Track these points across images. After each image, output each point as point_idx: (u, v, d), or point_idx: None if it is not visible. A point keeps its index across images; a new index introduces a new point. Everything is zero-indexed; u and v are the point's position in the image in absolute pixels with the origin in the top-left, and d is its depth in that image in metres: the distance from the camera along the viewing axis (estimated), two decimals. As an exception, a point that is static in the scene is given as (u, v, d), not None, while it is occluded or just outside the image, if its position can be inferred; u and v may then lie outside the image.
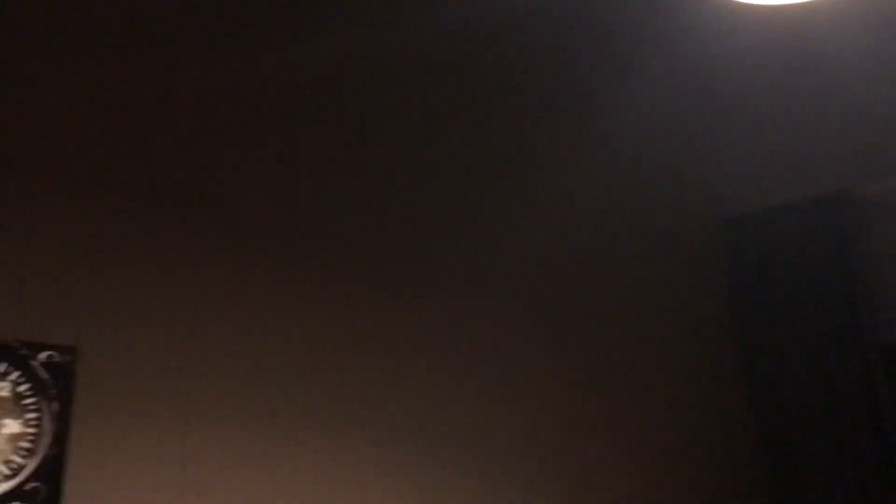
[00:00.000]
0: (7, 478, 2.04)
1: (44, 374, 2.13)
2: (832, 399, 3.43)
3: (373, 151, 2.81)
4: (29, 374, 2.12)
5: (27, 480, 2.06)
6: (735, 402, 3.62)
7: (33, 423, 2.10)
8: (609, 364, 3.28)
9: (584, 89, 3.24)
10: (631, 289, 3.43)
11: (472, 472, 2.80)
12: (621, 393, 3.27)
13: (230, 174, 2.53)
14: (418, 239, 2.88)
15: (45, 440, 2.10)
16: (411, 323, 2.81)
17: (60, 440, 2.13)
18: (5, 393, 2.08)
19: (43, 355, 2.14)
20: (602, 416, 3.19)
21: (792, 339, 3.54)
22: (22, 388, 2.10)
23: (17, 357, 2.11)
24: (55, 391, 2.14)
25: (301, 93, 2.64)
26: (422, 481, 2.65)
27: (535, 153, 3.21)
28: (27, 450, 2.08)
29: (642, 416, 3.31)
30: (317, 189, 2.69)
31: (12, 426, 2.08)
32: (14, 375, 2.10)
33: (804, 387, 3.50)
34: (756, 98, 3.79)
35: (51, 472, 2.10)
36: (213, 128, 2.51)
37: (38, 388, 2.12)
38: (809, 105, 3.57)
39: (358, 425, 2.59)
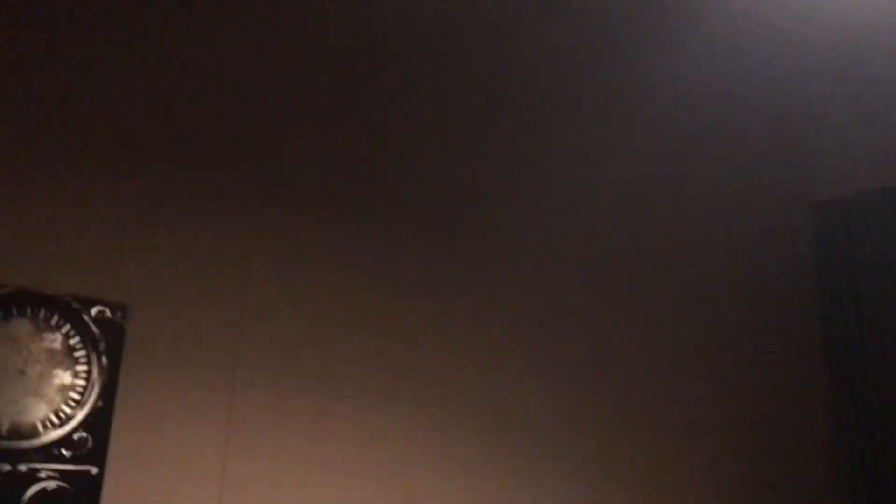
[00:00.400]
0: (56, 426, 2.11)
1: (94, 329, 2.20)
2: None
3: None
4: (80, 328, 2.18)
5: (75, 430, 2.13)
6: (817, 390, 3.46)
7: (83, 375, 2.17)
8: (683, 346, 3.15)
9: (675, 62, 3.18)
10: (712, 268, 3.30)
11: (525, 455, 2.74)
12: (693, 377, 3.15)
13: (280, 134, 2.55)
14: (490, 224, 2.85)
15: (94, 392, 2.17)
16: (472, 294, 2.77)
17: (108, 393, 2.19)
18: (57, 345, 2.16)
19: (94, 310, 2.21)
20: (674, 401, 3.07)
21: (877, 328, 3.34)
22: (73, 340, 2.17)
23: (69, 310, 2.18)
24: (105, 345, 2.20)
25: (358, 55, 2.67)
26: (467, 455, 2.61)
27: (615, 126, 3.14)
28: (76, 401, 2.15)
29: (713, 402, 3.17)
30: (365, 151, 2.69)
31: (63, 377, 2.15)
32: (66, 328, 2.17)
33: (888, 377, 3.30)
34: (854, 79, 3.61)
35: (98, 424, 2.16)
36: (262, 89, 2.54)
37: (89, 342, 2.19)
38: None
39: (408, 394, 2.57)
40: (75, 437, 2.13)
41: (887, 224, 3.37)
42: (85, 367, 2.17)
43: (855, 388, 3.39)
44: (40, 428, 2.09)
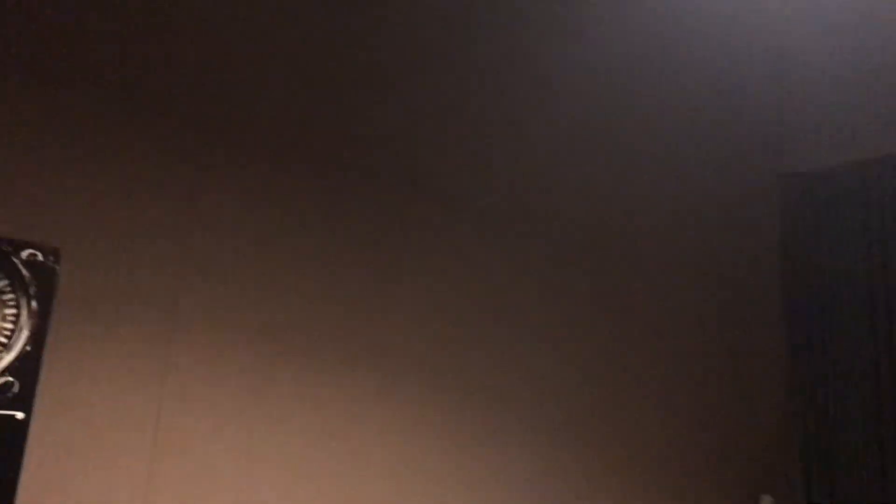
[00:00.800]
0: (-19, 370, 2.07)
1: (25, 272, 2.14)
2: (874, 359, 3.20)
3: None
4: (9, 271, 2.12)
5: (0, 374, 2.08)
6: (776, 360, 3.44)
7: (11, 318, 2.11)
8: (646, 314, 3.11)
9: (640, 30, 3.11)
10: (677, 238, 3.25)
11: (499, 420, 2.70)
12: (660, 341, 3.11)
13: (224, 77, 2.47)
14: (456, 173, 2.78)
15: (22, 337, 2.11)
16: (436, 252, 2.71)
17: (38, 338, 2.13)
18: (-16, 287, 2.11)
19: (25, 253, 2.15)
20: (638, 367, 3.03)
21: (838, 300, 3.32)
22: (1, 283, 2.12)
23: (-2, 253, 2.13)
24: (35, 289, 2.14)
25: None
26: (414, 417, 2.55)
27: (578, 94, 3.06)
28: (2, 345, 2.09)
29: (677, 366, 3.14)
30: (315, 104, 2.61)
31: (-11, 320, 2.10)
32: (-6, 270, 2.12)
33: (846, 345, 3.27)
34: (823, 53, 3.53)
35: (26, 369, 2.10)
36: (205, 31, 2.46)
37: (18, 285, 2.13)
38: (878, 63, 3.33)
39: (354, 355, 2.52)
40: (1, 381, 2.08)
41: (852, 197, 3.32)
42: (13, 311, 2.12)
43: (813, 359, 3.36)
44: (-35, 371, 2.05)
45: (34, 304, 2.13)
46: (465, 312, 2.72)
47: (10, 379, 2.08)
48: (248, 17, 2.51)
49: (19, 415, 2.07)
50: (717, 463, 3.21)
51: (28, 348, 2.11)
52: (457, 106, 2.82)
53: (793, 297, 3.44)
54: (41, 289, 2.15)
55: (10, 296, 2.12)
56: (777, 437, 3.40)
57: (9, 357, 2.09)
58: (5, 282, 2.12)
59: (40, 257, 2.16)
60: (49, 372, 2.11)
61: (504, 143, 2.89)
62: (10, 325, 2.11)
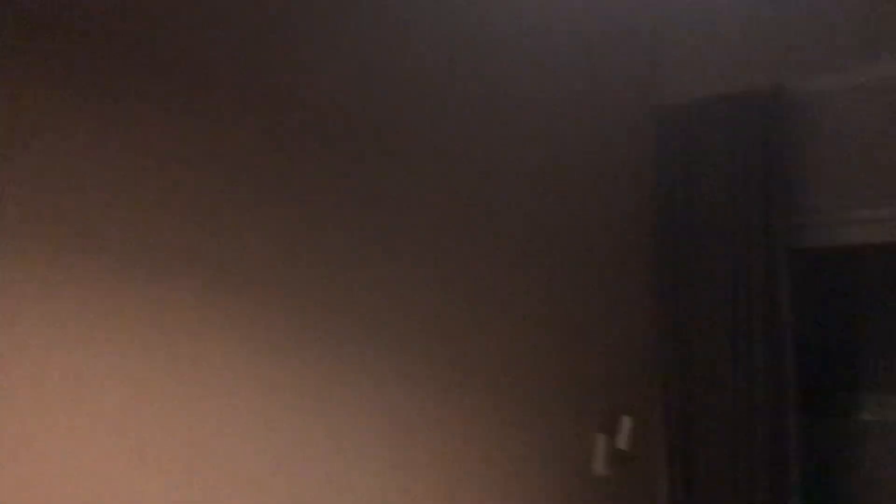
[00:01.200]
0: None
1: None
2: (736, 297, 3.38)
3: None
4: None
5: None
6: (641, 285, 3.60)
7: None
8: (517, 235, 3.16)
9: None
10: (550, 171, 3.31)
11: (339, 340, 2.68)
12: (524, 262, 3.15)
13: None
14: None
15: None
16: (302, 171, 2.59)
17: None
18: None
19: None
20: (502, 287, 3.06)
21: (707, 233, 3.47)
22: None
23: None
24: None
25: None
26: (269, 339, 2.49)
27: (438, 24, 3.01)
28: None
29: (542, 288, 3.22)
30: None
31: None
32: None
33: (710, 281, 3.45)
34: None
35: None
36: None
37: None
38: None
39: (208, 273, 2.38)
40: None
41: (724, 131, 3.45)
42: None
43: (676, 289, 3.55)
44: None
45: None
46: (323, 231, 2.65)
47: None
48: None
49: None
50: (578, 385, 3.32)
51: None
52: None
53: (663, 225, 3.56)
54: None
55: None
56: (639, 361, 3.55)
57: None
58: None
59: None
60: None
61: (349, 70, 2.80)
62: None
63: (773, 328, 3.29)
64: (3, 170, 2.09)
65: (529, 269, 3.21)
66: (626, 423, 3.40)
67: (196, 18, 2.41)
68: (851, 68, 3.26)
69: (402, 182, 2.84)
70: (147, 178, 2.31)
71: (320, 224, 2.63)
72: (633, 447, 3.44)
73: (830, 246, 3.41)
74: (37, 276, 2.12)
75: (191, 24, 2.40)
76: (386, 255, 2.78)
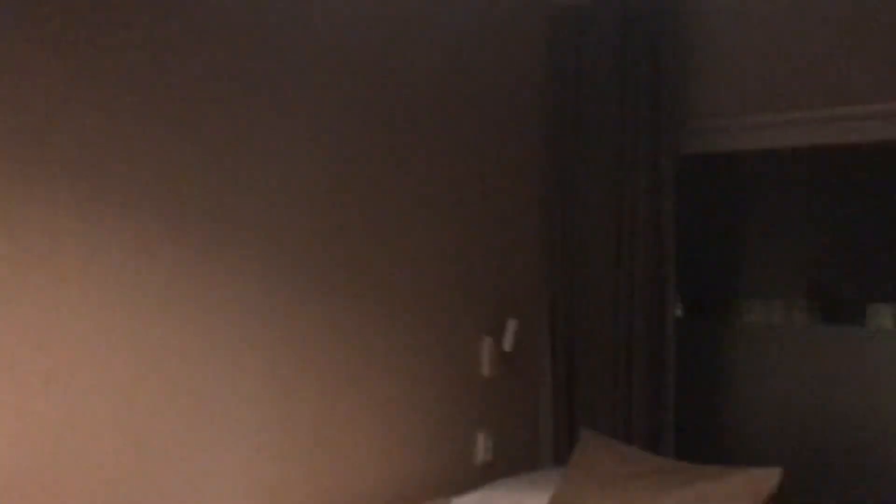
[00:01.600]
0: None
1: None
2: (621, 202, 3.42)
3: None
4: None
5: None
6: (533, 196, 3.60)
7: None
8: (412, 152, 3.12)
9: None
10: (442, 73, 3.25)
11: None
12: (413, 161, 3.10)
13: None
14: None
15: None
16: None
17: None
18: None
19: None
20: (389, 185, 3.01)
21: (595, 139, 3.48)
22: None
23: None
24: None
25: None
26: (144, 236, 2.35)
27: None
28: None
29: (431, 188, 3.19)
30: None
31: None
32: None
33: (597, 186, 3.48)
34: None
35: None
36: None
37: None
38: None
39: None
40: None
41: (616, 35, 3.41)
42: None
43: (565, 193, 3.57)
44: None
45: None
46: (196, 135, 2.49)
47: None
48: None
49: None
50: (467, 290, 3.33)
51: None
52: None
53: (553, 131, 3.55)
54: None
55: None
56: (526, 267, 3.58)
57: None
58: None
59: None
60: None
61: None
62: None
63: (656, 232, 3.34)
64: None
65: (419, 176, 3.15)
66: (512, 325, 3.44)
67: None
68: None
69: (283, 81, 2.72)
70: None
71: (193, 118, 2.49)
72: (518, 349, 3.50)
73: (716, 152, 3.45)
74: None
75: None
76: (271, 155, 2.67)
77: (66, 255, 2.21)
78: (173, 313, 2.43)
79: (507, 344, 3.45)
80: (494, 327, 3.45)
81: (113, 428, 2.29)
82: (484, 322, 3.43)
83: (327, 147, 2.86)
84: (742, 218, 3.51)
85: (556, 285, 3.58)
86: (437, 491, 3.16)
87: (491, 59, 3.41)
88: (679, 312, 3.39)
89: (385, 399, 3.04)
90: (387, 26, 3.01)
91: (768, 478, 2.51)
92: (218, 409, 2.54)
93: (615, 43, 3.40)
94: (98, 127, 2.27)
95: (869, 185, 3.23)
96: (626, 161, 3.40)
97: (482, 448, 3.40)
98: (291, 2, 2.72)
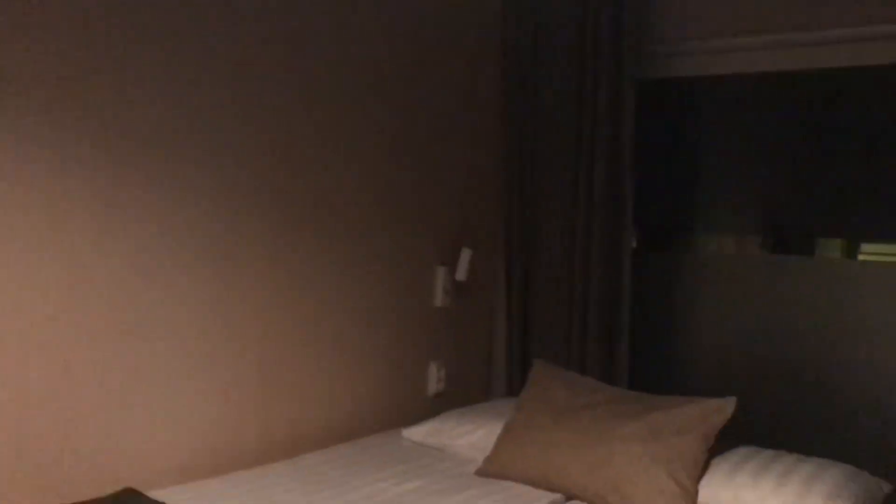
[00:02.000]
0: None
1: None
2: (580, 127, 3.32)
3: None
4: None
5: None
6: (490, 126, 3.49)
7: None
8: (370, 75, 2.98)
9: None
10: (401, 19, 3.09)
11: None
12: (378, 104, 3.01)
13: None
14: None
15: None
16: None
17: None
18: None
19: None
20: (353, 125, 2.94)
21: (556, 63, 3.36)
22: None
23: None
24: None
25: None
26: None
27: None
28: None
29: (396, 128, 3.08)
30: None
31: None
32: None
33: (557, 111, 3.38)
34: None
35: None
36: None
37: None
38: None
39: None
40: None
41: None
42: None
43: (526, 121, 3.47)
44: None
45: None
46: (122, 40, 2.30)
47: None
48: None
49: None
50: (422, 219, 3.23)
51: None
52: None
53: (513, 54, 3.42)
54: None
55: None
56: (482, 196, 3.49)
57: None
58: None
59: None
60: None
61: None
62: None
63: (614, 158, 3.26)
64: None
65: (377, 102, 3.01)
66: (465, 255, 3.35)
67: None
68: None
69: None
70: None
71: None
72: (472, 279, 3.42)
73: (678, 77, 3.36)
74: None
75: None
76: (222, 67, 2.50)
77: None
78: (109, 238, 2.28)
79: (461, 273, 3.36)
80: (448, 257, 3.37)
81: (39, 355, 2.16)
82: (437, 252, 3.34)
83: (285, 66, 2.70)
84: (695, 152, 3.43)
85: (511, 214, 3.49)
86: (388, 423, 3.10)
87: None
88: (633, 245, 3.33)
89: (335, 330, 2.95)
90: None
91: (723, 407, 2.48)
92: (158, 342, 2.41)
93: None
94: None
95: (825, 119, 3.18)
96: (587, 88, 3.29)
97: (434, 379, 3.34)
98: None
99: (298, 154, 2.78)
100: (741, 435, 2.60)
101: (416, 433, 2.90)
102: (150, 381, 2.40)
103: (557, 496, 2.45)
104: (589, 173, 3.30)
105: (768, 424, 3.09)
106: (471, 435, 2.82)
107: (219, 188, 2.55)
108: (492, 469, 2.60)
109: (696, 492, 2.37)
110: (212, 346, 2.56)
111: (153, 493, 2.20)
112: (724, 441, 2.51)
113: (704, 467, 2.42)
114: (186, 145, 2.46)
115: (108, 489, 2.22)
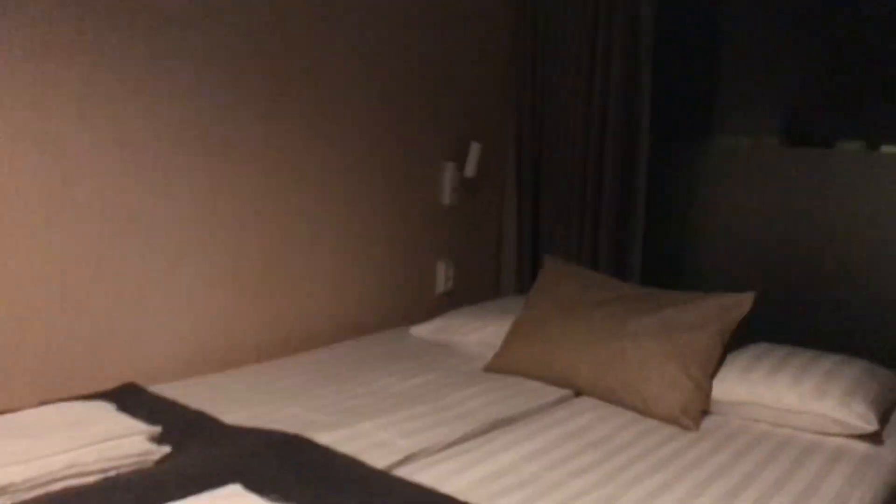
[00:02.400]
0: None
1: None
2: (596, 19, 3.16)
3: None
4: None
5: None
6: (501, 18, 3.32)
7: None
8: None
9: None
10: None
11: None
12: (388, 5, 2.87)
13: None
14: None
15: None
16: None
17: None
18: None
19: None
20: (361, 22, 2.79)
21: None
22: None
23: None
24: None
25: None
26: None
27: None
28: None
29: (406, 25, 2.93)
30: None
31: None
32: None
33: (573, 11, 3.22)
34: None
35: None
36: None
37: None
38: None
39: None
40: None
41: None
42: None
43: (538, 15, 3.31)
44: None
45: None
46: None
47: None
48: None
49: None
50: (431, 115, 3.10)
51: None
52: None
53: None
54: None
55: None
56: (493, 89, 3.35)
57: None
58: None
59: None
60: None
61: None
62: None
63: (632, 51, 3.10)
64: None
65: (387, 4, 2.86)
66: (475, 149, 3.23)
67: None
68: None
69: None
70: None
71: None
72: (481, 176, 3.31)
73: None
74: None
75: None
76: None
77: None
78: (90, 125, 2.18)
79: (470, 169, 3.25)
80: (457, 153, 3.25)
81: (33, 247, 2.09)
82: (446, 147, 3.22)
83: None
84: (715, 53, 3.28)
85: (522, 107, 3.35)
86: (396, 321, 3.05)
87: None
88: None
89: (341, 228, 2.87)
90: None
91: (740, 302, 2.40)
92: (154, 235, 2.33)
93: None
94: None
95: (844, 21, 3.02)
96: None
97: (442, 277, 3.27)
98: None
99: (300, 42, 2.64)
100: (759, 329, 2.52)
101: (424, 330, 2.85)
102: (147, 276, 2.33)
103: (567, 392, 2.40)
104: (606, 66, 3.15)
105: (784, 318, 3.02)
106: (479, 332, 2.76)
107: (218, 75, 2.43)
108: (500, 365, 2.55)
109: (710, 387, 2.30)
110: (211, 239, 2.48)
111: (154, 388, 2.16)
112: (742, 337, 2.44)
113: (719, 363, 2.36)
114: (176, 21, 2.32)
115: (110, 384, 2.17)
